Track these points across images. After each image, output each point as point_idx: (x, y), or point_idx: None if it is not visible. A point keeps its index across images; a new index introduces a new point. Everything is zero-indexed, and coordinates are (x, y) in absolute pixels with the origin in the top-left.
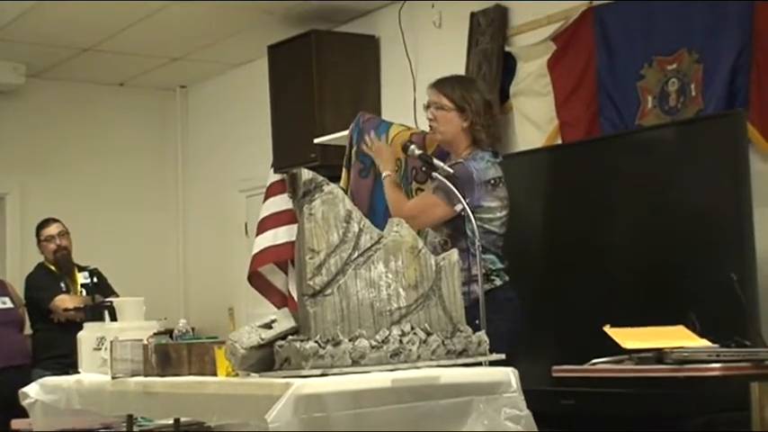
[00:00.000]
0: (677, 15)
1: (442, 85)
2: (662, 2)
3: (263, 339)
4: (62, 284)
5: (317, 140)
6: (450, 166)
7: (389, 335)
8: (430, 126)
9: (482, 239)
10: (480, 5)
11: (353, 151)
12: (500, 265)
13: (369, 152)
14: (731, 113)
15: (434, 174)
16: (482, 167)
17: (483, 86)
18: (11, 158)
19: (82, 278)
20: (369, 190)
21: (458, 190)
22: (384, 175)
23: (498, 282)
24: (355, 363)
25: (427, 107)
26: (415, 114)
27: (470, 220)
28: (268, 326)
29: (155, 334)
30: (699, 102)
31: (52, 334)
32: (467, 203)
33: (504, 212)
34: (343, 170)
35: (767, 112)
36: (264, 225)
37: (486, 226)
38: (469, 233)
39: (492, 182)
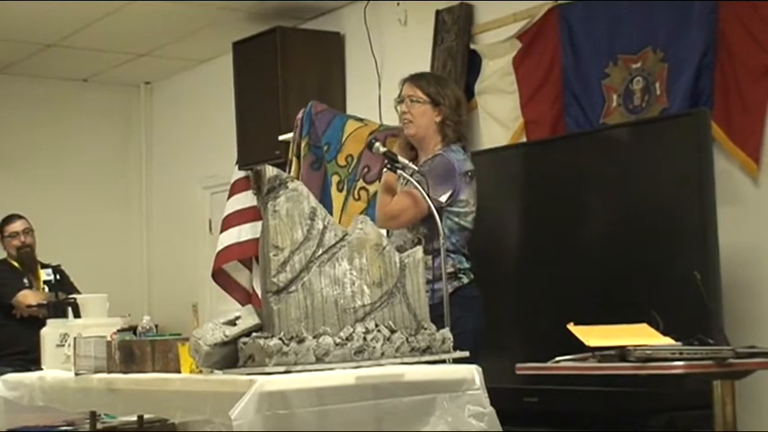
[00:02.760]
0: (642, 14)
1: (417, 79)
2: (627, 1)
3: (226, 336)
4: (25, 281)
5: (281, 137)
6: (429, 159)
7: (353, 332)
8: (403, 120)
9: (456, 236)
10: (446, 3)
11: (305, 143)
12: (467, 265)
13: None
14: (695, 112)
15: (399, 171)
16: (461, 159)
17: (454, 84)
18: None
19: (45, 275)
20: (320, 182)
21: (438, 182)
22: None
23: (465, 279)
24: (319, 360)
25: (400, 101)
26: (380, 111)
27: (450, 213)
28: (232, 323)
29: (118, 331)
30: (663, 100)
31: (14, 330)
32: (449, 195)
33: (475, 208)
34: (294, 159)
35: (731, 111)
36: (229, 222)
37: (462, 222)
38: (445, 230)
39: (469, 174)
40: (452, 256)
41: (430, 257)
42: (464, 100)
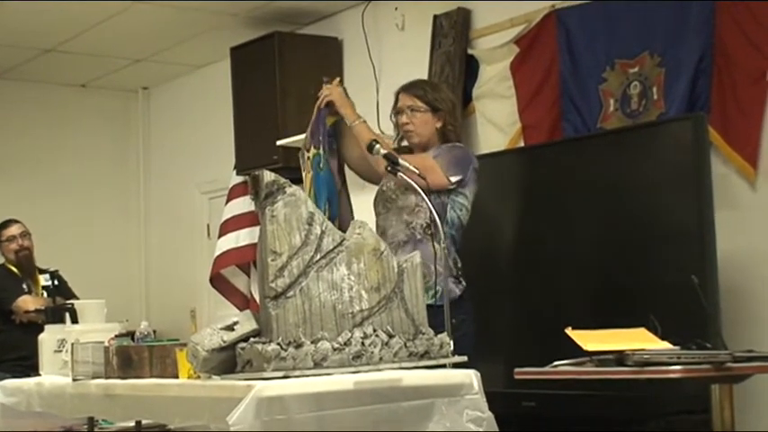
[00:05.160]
0: (639, 19)
1: (413, 88)
2: (624, 5)
3: (224, 341)
4: (24, 286)
5: (279, 142)
6: (448, 148)
7: (351, 337)
8: (405, 131)
9: (455, 232)
10: (443, 8)
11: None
12: (460, 264)
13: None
14: (693, 117)
15: (399, 169)
16: (473, 155)
17: (447, 88)
18: None
19: (43, 280)
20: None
21: (453, 163)
22: (360, 121)
23: (464, 282)
24: (317, 365)
25: (398, 112)
26: (378, 116)
27: (455, 204)
28: (230, 328)
29: (116, 336)
30: (660, 105)
31: (13, 336)
32: (459, 179)
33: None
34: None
35: (728, 115)
36: (226, 227)
37: (462, 218)
38: (449, 221)
39: (477, 171)
40: (454, 252)
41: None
42: (458, 102)
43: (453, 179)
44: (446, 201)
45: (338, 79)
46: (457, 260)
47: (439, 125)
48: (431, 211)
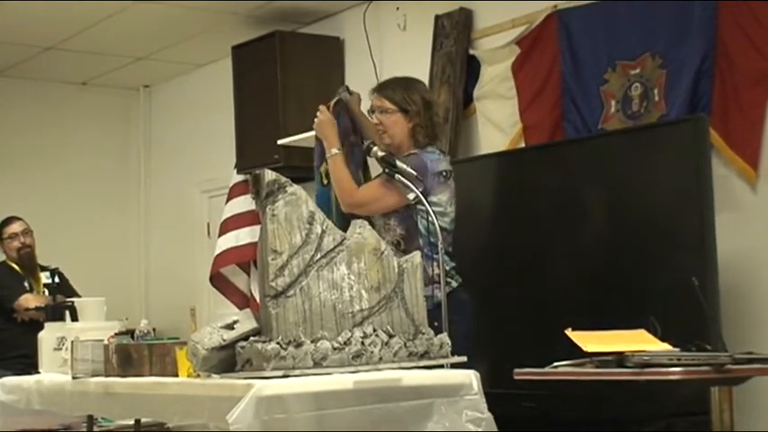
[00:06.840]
0: (641, 20)
1: (383, 88)
2: (626, 6)
3: (224, 340)
4: (26, 284)
5: (280, 142)
6: (404, 157)
7: (351, 336)
8: (377, 131)
9: (434, 237)
10: (445, 8)
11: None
12: (452, 264)
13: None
14: (694, 119)
15: (397, 171)
16: (434, 158)
17: (424, 86)
18: None
19: (44, 278)
20: None
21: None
22: (332, 152)
23: (454, 283)
24: (317, 364)
25: (372, 112)
26: None
27: (429, 215)
28: (230, 327)
29: (116, 334)
30: (662, 107)
31: (15, 333)
32: (419, 192)
33: (453, 208)
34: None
35: (729, 117)
36: (227, 226)
37: (438, 222)
38: (423, 230)
39: (444, 174)
40: (436, 257)
41: None
42: (435, 99)
43: (411, 195)
44: (414, 214)
45: (335, 101)
46: (448, 261)
47: (410, 125)
48: (429, 221)
